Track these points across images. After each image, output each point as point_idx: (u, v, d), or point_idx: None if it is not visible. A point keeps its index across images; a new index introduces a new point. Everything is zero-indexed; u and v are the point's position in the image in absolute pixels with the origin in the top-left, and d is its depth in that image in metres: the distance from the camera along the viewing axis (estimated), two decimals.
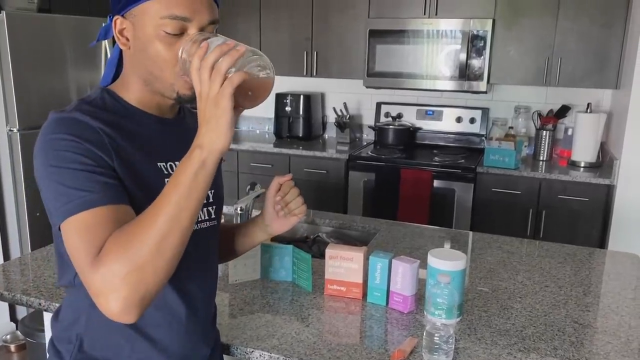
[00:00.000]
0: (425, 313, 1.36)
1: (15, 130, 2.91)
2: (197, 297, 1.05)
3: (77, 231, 0.84)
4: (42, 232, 3.09)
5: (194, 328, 1.05)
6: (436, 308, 1.26)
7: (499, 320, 1.42)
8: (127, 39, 0.95)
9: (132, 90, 0.99)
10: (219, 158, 0.85)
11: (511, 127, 3.63)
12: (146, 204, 0.85)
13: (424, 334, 1.24)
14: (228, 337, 1.31)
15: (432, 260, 1.38)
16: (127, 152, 0.93)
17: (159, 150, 0.99)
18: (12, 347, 2.95)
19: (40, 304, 1.48)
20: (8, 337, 2.99)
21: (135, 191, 0.92)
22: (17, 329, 3.08)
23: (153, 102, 1.00)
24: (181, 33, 0.91)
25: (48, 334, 1.82)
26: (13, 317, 3.12)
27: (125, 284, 0.79)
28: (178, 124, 1.05)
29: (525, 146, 3.54)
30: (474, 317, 1.44)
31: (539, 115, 3.53)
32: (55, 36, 3.09)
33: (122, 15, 0.93)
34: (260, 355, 1.26)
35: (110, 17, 0.97)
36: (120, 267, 0.80)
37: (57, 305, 1.45)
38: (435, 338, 1.21)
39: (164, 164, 0.99)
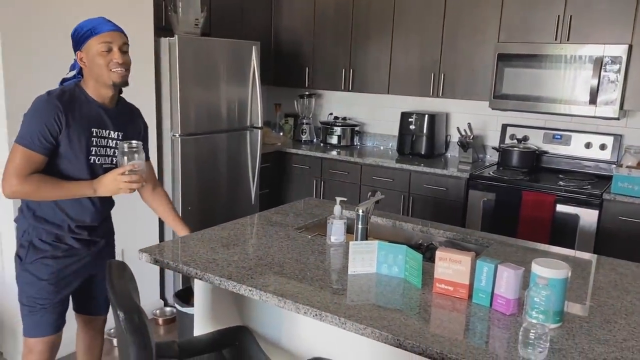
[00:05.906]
0: (525, 316, 1.48)
1: (177, 135, 3.41)
2: (97, 200, 2.05)
3: (20, 155, 1.84)
4: (193, 223, 3.56)
5: (94, 214, 2.06)
6: (532, 309, 1.38)
7: (599, 331, 1.49)
8: (83, 61, 1.93)
9: (90, 87, 1.96)
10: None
11: None
12: (71, 149, 1.91)
13: (521, 330, 1.36)
14: (346, 315, 1.53)
15: (535, 268, 1.50)
16: (74, 121, 1.89)
17: (97, 122, 1.96)
18: (160, 320, 3.44)
19: (196, 273, 1.82)
20: (157, 311, 3.49)
21: (67, 142, 1.89)
22: (164, 305, 3.59)
23: (101, 95, 1.97)
24: (109, 50, 1.90)
25: (198, 305, 2.18)
26: (162, 296, 3.64)
27: (21, 194, 1.89)
28: (113, 110, 2.02)
29: None
30: (574, 325, 1.52)
31: None
32: (213, 56, 3.59)
33: (80, 50, 1.92)
34: (372, 332, 1.47)
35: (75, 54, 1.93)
36: (26, 189, 1.86)
37: (210, 275, 1.78)
38: (531, 334, 1.33)
39: (97, 129, 1.96)
